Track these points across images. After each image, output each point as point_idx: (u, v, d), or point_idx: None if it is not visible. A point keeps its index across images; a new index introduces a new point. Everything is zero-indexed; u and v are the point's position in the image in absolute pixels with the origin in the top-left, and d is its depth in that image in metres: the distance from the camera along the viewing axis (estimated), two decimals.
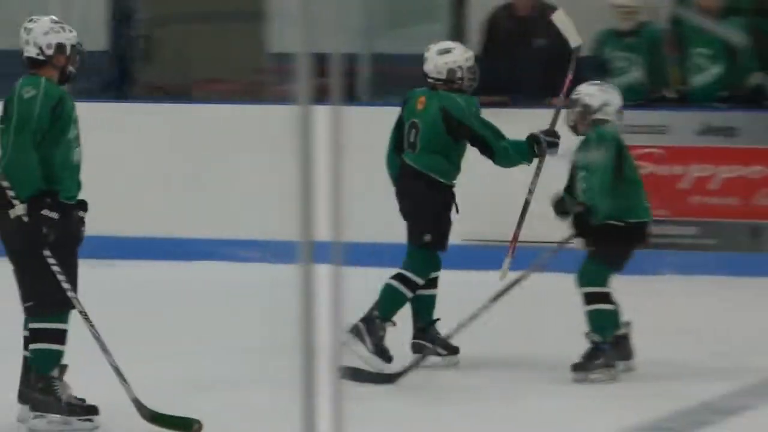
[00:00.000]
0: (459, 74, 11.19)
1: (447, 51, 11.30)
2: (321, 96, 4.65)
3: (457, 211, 11.21)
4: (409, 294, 10.83)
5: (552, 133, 10.93)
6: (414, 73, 13.07)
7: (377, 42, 16.41)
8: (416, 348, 10.72)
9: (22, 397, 9.08)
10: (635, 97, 14.47)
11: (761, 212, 14.07)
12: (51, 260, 8.82)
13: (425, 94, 11.27)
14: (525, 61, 15.41)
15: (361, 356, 10.48)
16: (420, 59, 11.18)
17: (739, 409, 10.34)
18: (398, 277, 10.79)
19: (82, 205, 9.22)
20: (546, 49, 14.52)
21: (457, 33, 16.10)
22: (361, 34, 15.98)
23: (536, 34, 15.15)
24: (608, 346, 10.31)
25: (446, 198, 10.98)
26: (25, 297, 8.90)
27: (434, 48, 11.33)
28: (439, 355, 10.85)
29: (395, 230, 11.81)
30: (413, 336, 10.77)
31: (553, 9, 14.31)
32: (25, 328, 9.11)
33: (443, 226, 11.11)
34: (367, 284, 11.11)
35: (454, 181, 11.16)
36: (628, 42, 14.86)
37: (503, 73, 15.40)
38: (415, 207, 11.02)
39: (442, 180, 11.10)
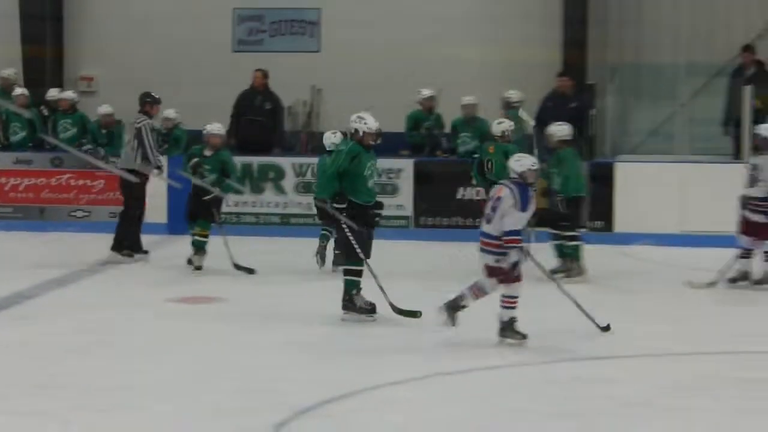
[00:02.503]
0: (507, 134, 11.38)
1: (502, 122, 11.55)
2: None
3: None
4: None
5: None
6: None
7: None
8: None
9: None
10: None
11: (46, 200, 14.04)
12: (348, 233, 8.86)
13: (492, 144, 11.49)
14: None
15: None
16: None
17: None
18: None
19: (378, 206, 9.10)
20: None
21: None
22: None
23: None
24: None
25: None
26: (337, 247, 9.62)
27: (497, 122, 11.60)
28: None
29: None
30: None
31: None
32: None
33: None
34: None
35: None
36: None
37: None
38: None
39: None
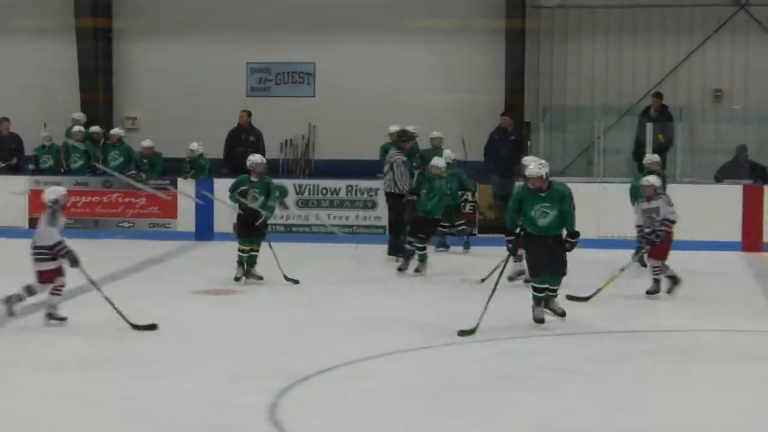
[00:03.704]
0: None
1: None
2: None
3: None
4: None
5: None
6: None
7: None
8: None
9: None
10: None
11: (99, 214, 13.79)
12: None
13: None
14: None
15: None
16: None
17: None
18: None
19: (553, 237, 7.96)
20: None
21: None
22: None
23: None
24: None
25: None
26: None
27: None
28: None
29: None
30: None
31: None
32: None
33: None
34: None
35: None
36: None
37: None
38: None
39: None
